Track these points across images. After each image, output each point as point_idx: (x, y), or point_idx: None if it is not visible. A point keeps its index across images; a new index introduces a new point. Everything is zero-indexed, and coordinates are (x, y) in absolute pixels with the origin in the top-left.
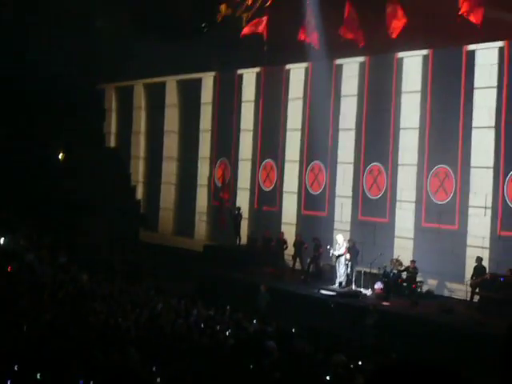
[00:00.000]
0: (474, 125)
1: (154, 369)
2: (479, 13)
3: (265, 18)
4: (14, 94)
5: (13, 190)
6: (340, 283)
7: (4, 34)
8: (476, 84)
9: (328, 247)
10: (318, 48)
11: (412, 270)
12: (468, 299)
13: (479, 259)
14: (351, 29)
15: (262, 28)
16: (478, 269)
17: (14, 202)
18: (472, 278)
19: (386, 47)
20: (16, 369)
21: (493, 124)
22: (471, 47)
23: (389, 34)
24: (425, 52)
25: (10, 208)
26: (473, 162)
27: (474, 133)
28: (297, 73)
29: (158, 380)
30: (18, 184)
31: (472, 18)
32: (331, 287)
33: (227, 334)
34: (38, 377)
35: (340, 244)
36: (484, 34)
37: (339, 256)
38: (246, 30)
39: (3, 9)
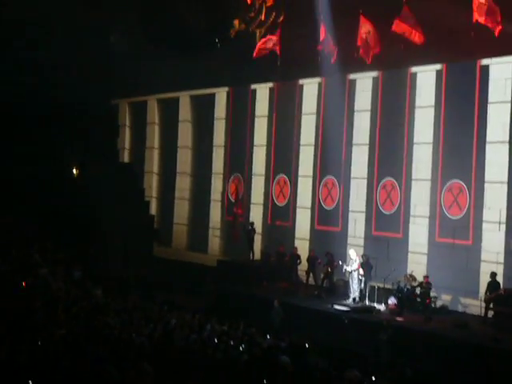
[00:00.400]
0: (487, 139)
1: None
2: (496, 23)
3: (276, 35)
4: (29, 110)
5: (27, 205)
6: (354, 299)
7: (20, 49)
8: (490, 99)
9: (340, 263)
10: (334, 61)
11: (425, 286)
12: (482, 315)
13: (493, 274)
14: (364, 44)
15: (273, 44)
16: (492, 284)
17: (28, 217)
18: (486, 293)
19: (399, 62)
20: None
21: (507, 139)
22: (485, 61)
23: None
24: (438, 67)
25: (25, 223)
26: (487, 177)
27: (488, 147)
28: (310, 88)
29: None
30: (32, 199)
31: (489, 25)
32: (345, 302)
33: (241, 349)
34: None
35: (353, 259)
36: (498, 48)
37: (352, 271)
38: (256, 52)
39: (17, 24)
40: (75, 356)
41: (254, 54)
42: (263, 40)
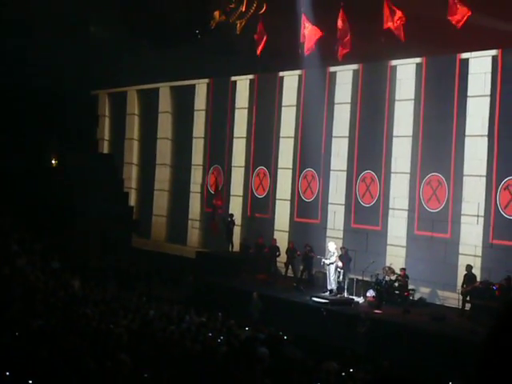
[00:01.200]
0: (467, 133)
1: (145, 375)
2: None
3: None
4: (7, 101)
5: (5, 195)
6: (331, 290)
7: None
8: (469, 92)
9: (319, 257)
10: (313, 51)
11: (402, 278)
12: (460, 307)
13: (469, 267)
14: (342, 37)
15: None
16: (469, 277)
17: (6, 207)
18: (463, 285)
19: (379, 55)
20: (8, 375)
21: (486, 132)
22: (465, 55)
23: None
24: (418, 60)
25: (3, 213)
26: (466, 171)
27: (467, 141)
28: (290, 80)
29: None
30: (10, 189)
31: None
32: (323, 295)
33: (219, 340)
34: (30, 383)
35: (331, 252)
36: (478, 42)
37: (330, 264)
38: (260, 48)
39: None
40: (53, 347)
41: (258, 53)
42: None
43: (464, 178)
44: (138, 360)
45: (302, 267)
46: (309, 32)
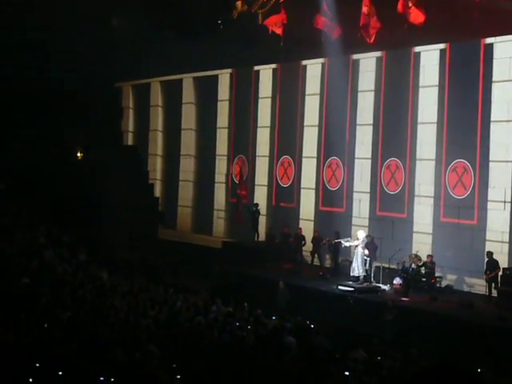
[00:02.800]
0: (492, 118)
1: (174, 366)
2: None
3: (282, 16)
4: (32, 94)
5: (32, 189)
6: (358, 277)
7: (22, 31)
8: (494, 77)
9: (340, 240)
10: (336, 37)
11: (429, 265)
12: (487, 294)
13: (490, 253)
14: (366, 24)
15: (279, 27)
16: (491, 263)
17: (33, 200)
18: (486, 272)
19: (402, 41)
20: (38, 366)
21: (511, 118)
22: (489, 40)
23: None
24: (442, 46)
25: (30, 206)
26: (491, 156)
27: (493, 127)
28: (313, 68)
29: (179, 377)
30: (37, 183)
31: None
32: (349, 283)
33: (247, 330)
34: (60, 374)
35: (360, 240)
36: (503, 27)
37: (350, 246)
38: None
39: (20, 6)
40: (81, 339)
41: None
42: (271, 19)
43: (490, 163)
44: (166, 351)
45: (328, 256)
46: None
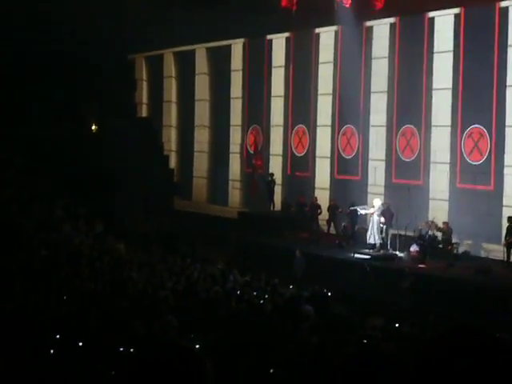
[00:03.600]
0: (508, 83)
1: (192, 336)
2: None
3: None
4: (46, 69)
5: (48, 162)
6: (374, 245)
7: (33, 4)
8: (510, 41)
9: (356, 207)
10: (349, 5)
11: (446, 231)
12: (505, 259)
13: (510, 219)
14: None
15: None
16: (511, 228)
17: (50, 174)
18: (506, 237)
19: (416, 7)
20: (58, 338)
21: None
22: (504, 4)
23: None
24: (456, 10)
25: (47, 180)
26: (508, 121)
27: (508, 91)
28: (326, 36)
29: (197, 347)
30: (53, 157)
31: None
32: (366, 251)
33: (264, 299)
34: (80, 345)
35: (376, 207)
36: None
37: (366, 214)
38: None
39: None
40: (100, 310)
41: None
42: None
43: (506, 128)
44: (184, 321)
45: (344, 224)
46: None
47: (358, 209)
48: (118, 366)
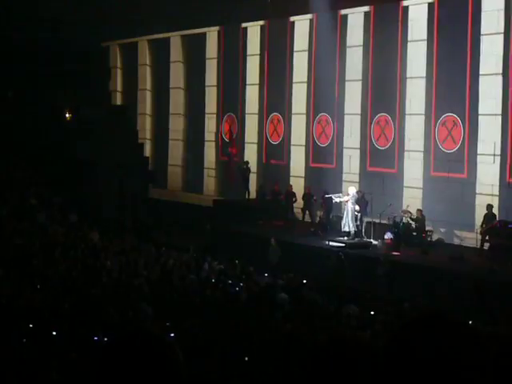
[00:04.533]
0: (481, 72)
1: (167, 324)
2: None
3: None
4: (19, 56)
5: (22, 150)
6: (348, 233)
7: None
8: (483, 30)
9: (331, 195)
10: None
11: (420, 219)
12: (478, 247)
13: (489, 206)
14: None
15: None
16: (488, 216)
17: (23, 162)
18: (482, 225)
19: None
20: (31, 327)
21: (500, 71)
22: None
23: None
24: None
25: (20, 168)
26: (481, 110)
27: (482, 80)
28: (301, 25)
29: (172, 335)
30: (26, 145)
31: None
32: (340, 239)
33: (239, 287)
34: (53, 334)
35: (350, 195)
36: None
37: (340, 202)
38: None
39: None
40: (75, 299)
41: None
42: None
43: (479, 117)
44: (159, 309)
45: (320, 212)
46: None
47: (333, 197)
48: (92, 355)
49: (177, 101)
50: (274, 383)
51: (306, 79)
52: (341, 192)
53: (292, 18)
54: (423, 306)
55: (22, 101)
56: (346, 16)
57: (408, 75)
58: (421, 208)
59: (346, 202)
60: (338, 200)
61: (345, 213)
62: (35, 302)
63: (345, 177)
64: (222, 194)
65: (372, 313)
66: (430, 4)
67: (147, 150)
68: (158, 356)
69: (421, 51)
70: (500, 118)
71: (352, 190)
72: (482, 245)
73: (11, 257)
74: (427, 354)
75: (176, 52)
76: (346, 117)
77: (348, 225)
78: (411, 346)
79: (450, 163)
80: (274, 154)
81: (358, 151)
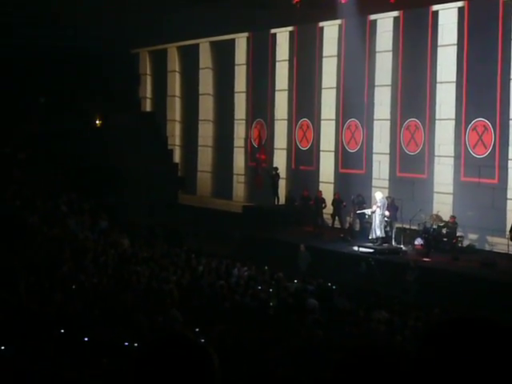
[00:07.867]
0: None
1: (197, 330)
2: None
3: None
4: (50, 63)
5: (52, 157)
6: (376, 239)
7: (34, 3)
8: None
9: (363, 211)
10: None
11: (452, 225)
12: (510, 253)
13: None
14: None
15: None
16: None
17: (54, 169)
18: (511, 231)
19: (420, 0)
20: (63, 333)
21: None
22: None
23: None
24: (460, 4)
25: (51, 175)
26: None
27: None
28: (330, 30)
29: (202, 341)
30: (57, 151)
31: None
32: (370, 245)
33: (269, 293)
34: (85, 340)
35: (377, 201)
36: None
37: (371, 213)
38: None
39: None
40: (105, 305)
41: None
42: None
43: (510, 121)
44: (188, 315)
45: (350, 218)
46: None
47: (366, 212)
48: (123, 361)
49: (206, 107)
50: None
51: (335, 85)
52: (370, 197)
53: (321, 24)
54: (453, 312)
55: (52, 108)
56: (375, 21)
57: (438, 80)
58: (453, 214)
59: (374, 210)
60: (369, 212)
61: (373, 219)
62: (66, 308)
63: (374, 182)
64: (251, 199)
65: (402, 318)
66: (460, 8)
67: (176, 157)
68: (195, 360)
69: (451, 56)
70: None
71: (379, 196)
72: None
73: (42, 263)
74: (460, 357)
75: (205, 58)
76: (375, 122)
77: (374, 231)
78: (451, 350)
79: (480, 168)
80: (303, 160)
81: (388, 157)
